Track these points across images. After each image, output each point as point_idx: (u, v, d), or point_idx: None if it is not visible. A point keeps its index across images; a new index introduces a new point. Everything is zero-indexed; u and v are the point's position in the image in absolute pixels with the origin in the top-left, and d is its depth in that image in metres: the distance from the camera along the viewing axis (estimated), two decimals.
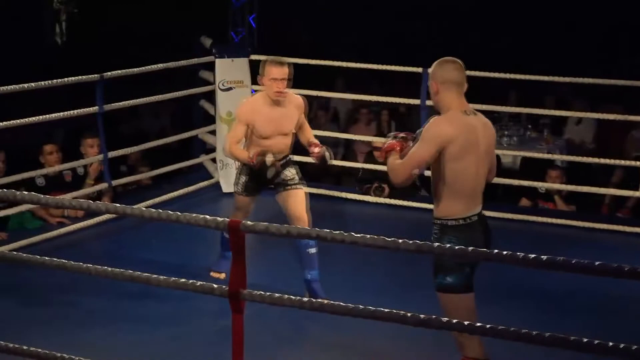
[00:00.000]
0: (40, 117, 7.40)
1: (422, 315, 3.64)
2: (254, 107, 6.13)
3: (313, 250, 6.21)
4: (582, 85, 8.70)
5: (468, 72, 7.86)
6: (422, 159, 4.49)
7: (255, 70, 8.90)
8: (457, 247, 3.66)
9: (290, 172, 6.26)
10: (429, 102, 8.36)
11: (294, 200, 6.21)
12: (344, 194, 8.85)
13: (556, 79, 8.21)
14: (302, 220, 6.13)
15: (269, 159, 6.00)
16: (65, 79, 7.42)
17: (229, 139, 6.20)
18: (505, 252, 3.50)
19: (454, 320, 3.66)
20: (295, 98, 6.20)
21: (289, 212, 6.21)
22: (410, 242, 3.63)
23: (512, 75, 8.25)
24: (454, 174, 4.47)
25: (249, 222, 3.89)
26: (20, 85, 7.08)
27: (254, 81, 8.95)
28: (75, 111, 7.63)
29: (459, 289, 4.50)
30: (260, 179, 6.26)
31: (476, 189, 4.55)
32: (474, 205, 4.55)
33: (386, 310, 3.72)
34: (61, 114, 7.57)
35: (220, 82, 8.91)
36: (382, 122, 11.20)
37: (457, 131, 4.44)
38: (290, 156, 6.32)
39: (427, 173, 8.17)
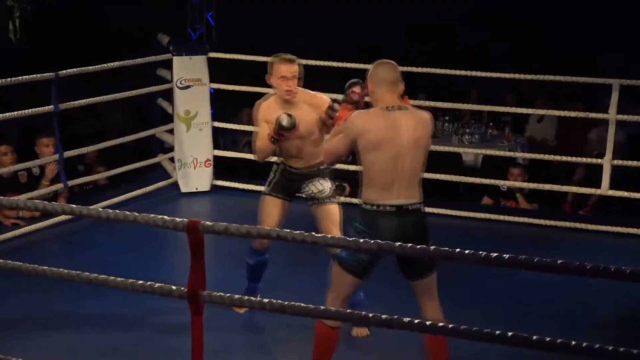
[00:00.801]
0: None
1: (384, 316, 3.59)
2: (270, 106, 5.79)
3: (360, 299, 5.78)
4: (544, 83, 8.71)
5: (431, 70, 7.88)
6: (337, 148, 4.84)
7: (213, 68, 8.91)
8: (418, 247, 3.60)
9: (320, 186, 5.84)
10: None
11: (324, 217, 5.82)
12: None
13: (517, 76, 8.21)
14: (328, 232, 5.76)
15: (283, 116, 5.57)
16: (19, 77, 7.29)
17: (255, 140, 5.86)
18: (467, 251, 3.47)
19: (416, 321, 3.61)
20: (314, 97, 5.78)
21: (319, 228, 5.84)
22: (372, 241, 3.59)
23: (473, 73, 8.23)
24: (368, 164, 4.72)
25: (207, 222, 3.84)
26: None
27: (212, 79, 8.91)
28: (30, 110, 7.49)
29: (345, 266, 4.69)
30: (293, 185, 5.90)
31: (394, 180, 4.68)
32: (390, 195, 4.68)
33: (348, 311, 3.67)
34: (15, 113, 7.43)
35: (178, 80, 8.82)
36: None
37: (369, 125, 4.67)
38: (324, 166, 5.84)
39: None
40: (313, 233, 3.62)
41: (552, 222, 8.03)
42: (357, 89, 5.05)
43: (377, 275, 4.67)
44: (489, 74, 8.21)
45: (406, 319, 3.63)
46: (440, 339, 4.68)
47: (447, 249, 3.55)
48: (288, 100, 5.72)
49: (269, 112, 5.74)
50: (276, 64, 5.71)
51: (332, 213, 5.80)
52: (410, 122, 4.70)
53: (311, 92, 5.81)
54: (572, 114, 8.61)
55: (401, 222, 4.66)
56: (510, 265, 3.42)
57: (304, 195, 5.87)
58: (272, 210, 5.93)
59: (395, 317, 3.60)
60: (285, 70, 5.67)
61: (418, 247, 3.60)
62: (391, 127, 4.66)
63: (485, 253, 3.42)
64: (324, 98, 5.76)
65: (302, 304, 3.76)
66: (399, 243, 3.63)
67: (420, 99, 10.17)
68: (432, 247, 3.57)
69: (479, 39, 12.91)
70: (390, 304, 5.32)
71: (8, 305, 6.12)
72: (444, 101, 8.77)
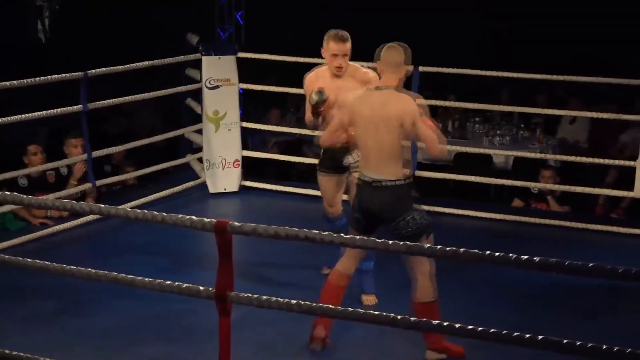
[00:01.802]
0: (23, 115, 7.26)
1: (412, 318, 3.55)
2: (318, 75, 6.14)
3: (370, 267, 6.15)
4: (576, 83, 8.62)
5: (460, 70, 7.80)
6: (336, 123, 5.31)
7: (242, 68, 8.88)
8: (448, 249, 3.55)
9: (357, 156, 5.96)
10: (419, 101, 8.26)
11: (353, 184, 5.98)
12: (315, 192, 8.77)
13: (548, 77, 8.12)
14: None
15: (312, 94, 5.88)
16: (49, 76, 7.29)
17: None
18: (497, 254, 3.43)
19: (445, 323, 3.56)
20: (360, 72, 6.07)
21: (350, 197, 6.14)
22: (401, 243, 3.55)
23: (504, 74, 8.15)
24: (357, 137, 5.21)
25: (236, 223, 3.81)
26: (2, 84, 6.95)
27: (242, 79, 8.88)
28: (59, 110, 7.49)
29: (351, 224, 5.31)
30: (335, 157, 6.13)
31: (370, 155, 5.09)
32: (367, 169, 5.12)
33: (375, 312, 3.63)
34: (44, 112, 7.43)
35: (207, 80, 8.79)
36: None
37: (355, 102, 5.15)
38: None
39: (419, 173, 8.31)
40: (342, 234, 3.57)
41: (584, 225, 7.94)
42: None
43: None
44: (519, 75, 8.13)
45: (412, 319, 3.59)
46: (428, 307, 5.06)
47: (476, 251, 3.50)
48: (336, 74, 6.03)
49: (316, 81, 6.08)
50: (328, 41, 6.00)
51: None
52: (388, 101, 5.03)
53: (359, 66, 6.14)
54: (605, 115, 8.52)
55: (372, 195, 5.07)
56: (540, 268, 3.37)
57: (344, 165, 6.13)
58: (325, 186, 6.28)
59: (403, 317, 3.56)
60: (336, 48, 5.98)
61: (448, 249, 3.55)
62: (369, 105, 5.06)
63: (515, 255, 3.37)
64: (369, 73, 6.01)
65: (331, 306, 3.72)
66: (427, 245, 3.58)
67: (450, 99, 10.12)
68: (462, 250, 3.52)
69: (509, 39, 12.84)
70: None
71: (36, 304, 6.11)
72: (474, 102, 8.71)
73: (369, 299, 6.16)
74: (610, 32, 12.22)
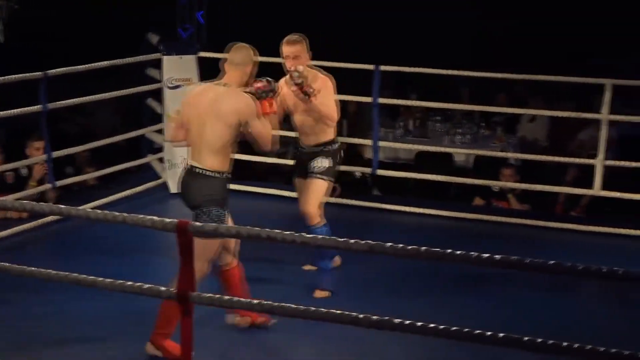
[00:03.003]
0: None
1: (374, 317, 3.55)
2: (285, 81, 6.21)
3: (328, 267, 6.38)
4: (536, 82, 8.67)
5: (419, 69, 7.82)
6: (179, 119, 5.49)
7: (203, 68, 8.85)
8: (409, 247, 3.56)
9: (320, 162, 6.25)
10: (380, 100, 8.30)
11: (307, 187, 6.27)
12: (277, 192, 8.81)
13: (508, 76, 8.16)
14: (306, 212, 6.23)
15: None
16: (7, 76, 7.23)
17: None
18: (458, 252, 3.44)
19: (408, 322, 3.57)
20: (317, 78, 6.16)
21: (299, 200, 6.34)
22: (363, 242, 3.55)
23: (464, 73, 8.18)
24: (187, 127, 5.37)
25: (197, 224, 3.80)
26: None
27: (203, 78, 8.84)
28: (18, 110, 7.43)
29: None
30: (301, 159, 6.34)
31: (195, 145, 5.29)
32: (191, 156, 5.31)
33: (338, 312, 3.63)
34: (3, 112, 7.36)
35: (168, 80, 8.76)
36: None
37: (193, 93, 5.40)
38: (330, 146, 6.29)
39: (381, 172, 8.34)
40: (303, 234, 3.58)
41: (544, 223, 7.99)
42: (259, 84, 5.42)
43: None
44: (480, 74, 8.17)
45: (397, 321, 3.60)
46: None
47: (437, 249, 3.52)
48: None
49: (283, 86, 6.13)
50: (281, 45, 6.15)
51: (315, 186, 6.24)
52: (223, 98, 5.21)
53: (319, 73, 6.23)
54: (564, 114, 8.58)
55: (186, 180, 5.27)
56: (502, 265, 3.39)
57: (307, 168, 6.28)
58: (297, 189, 6.43)
59: (386, 318, 3.56)
60: (285, 50, 6.13)
61: (409, 248, 3.56)
62: (205, 98, 5.25)
63: (476, 254, 3.39)
64: (326, 81, 6.17)
65: (292, 305, 3.72)
66: (390, 244, 3.59)
67: (411, 98, 10.15)
68: (424, 248, 3.53)
69: (470, 37, 12.89)
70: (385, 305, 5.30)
71: None
72: (435, 101, 8.73)
73: (322, 294, 6.27)
74: (570, 32, 12.30)
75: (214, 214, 5.14)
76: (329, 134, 6.29)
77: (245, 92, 5.33)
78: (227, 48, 5.43)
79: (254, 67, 5.41)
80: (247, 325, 5.61)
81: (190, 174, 5.27)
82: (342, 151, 6.39)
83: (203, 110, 5.23)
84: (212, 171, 5.22)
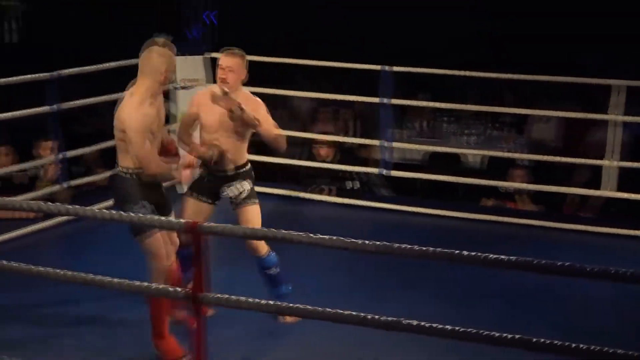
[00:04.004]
0: None
1: (382, 318, 3.57)
2: (204, 98, 5.97)
3: (272, 272, 5.99)
4: (545, 83, 8.67)
5: (429, 70, 7.83)
6: None
7: (212, 68, 8.86)
8: (417, 248, 3.57)
9: (241, 186, 5.95)
10: (390, 100, 8.30)
11: (242, 219, 5.89)
12: (285, 192, 8.84)
13: (517, 76, 8.16)
14: (250, 244, 5.88)
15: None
16: (18, 77, 7.27)
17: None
18: (467, 253, 3.45)
19: (414, 322, 3.58)
20: (249, 100, 5.92)
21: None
22: (369, 242, 3.56)
23: (472, 73, 8.19)
24: None
25: (205, 224, 3.82)
26: None
27: (210, 79, 8.86)
28: (29, 110, 7.47)
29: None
30: (213, 183, 6.00)
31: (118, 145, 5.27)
32: None
33: (346, 312, 3.65)
34: (14, 113, 7.40)
35: (180, 80, 8.78)
36: (345, 121, 11.11)
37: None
38: (245, 168, 6.00)
39: (395, 173, 8.35)
40: (310, 234, 3.59)
41: (554, 224, 7.99)
42: None
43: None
44: (488, 74, 8.18)
45: (405, 321, 3.61)
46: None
47: (447, 250, 3.52)
48: (221, 87, 5.86)
49: (203, 97, 5.96)
50: (220, 55, 5.93)
51: (250, 214, 5.88)
52: (122, 104, 5.17)
53: (252, 96, 5.98)
54: (574, 114, 8.57)
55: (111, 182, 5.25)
56: (510, 266, 3.40)
57: (224, 197, 5.98)
58: (189, 210, 5.97)
59: (395, 319, 3.58)
60: (221, 60, 5.89)
61: (417, 248, 3.57)
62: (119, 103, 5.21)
63: (484, 255, 3.40)
64: (258, 106, 5.92)
65: (300, 305, 3.74)
66: (397, 245, 3.59)
67: (418, 98, 10.14)
68: (432, 249, 3.54)
69: (479, 38, 12.86)
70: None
71: (5, 306, 6.09)
72: (444, 101, 8.74)
73: (291, 319, 5.86)
74: (574, 32, 12.26)
75: (134, 211, 5.07)
76: (244, 157, 6.00)
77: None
78: (143, 47, 5.23)
79: (170, 69, 5.20)
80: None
81: (113, 176, 5.37)
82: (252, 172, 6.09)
83: (115, 113, 5.25)
84: (122, 170, 5.27)
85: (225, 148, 5.88)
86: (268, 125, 5.93)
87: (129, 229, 5.15)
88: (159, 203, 5.28)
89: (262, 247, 5.87)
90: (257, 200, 5.97)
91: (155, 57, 5.13)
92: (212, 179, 5.96)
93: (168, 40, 5.22)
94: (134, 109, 5.09)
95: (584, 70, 9.54)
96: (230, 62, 5.85)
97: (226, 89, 5.80)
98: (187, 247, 5.96)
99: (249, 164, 6.03)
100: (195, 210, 5.93)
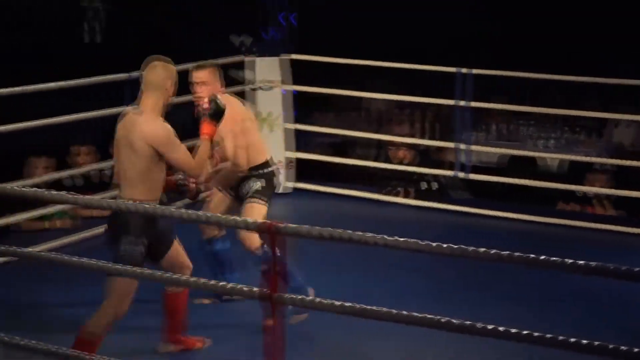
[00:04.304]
0: (74, 116, 7.37)
1: (457, 322, 3.54)
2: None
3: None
4: (625, 86, 8.54)
5: (503, 72, 7.71)
6: None
7: (298, 70, 8.92)
8: (493, 252, 3.54)
9: (251, 185, 5.99)
10: (467, 103, 8.27)
11: (243, 215, 5.84)
12: (360, 194, 8.84)
13: (599, 80, 8.05)
14: (243, 237, 5.85)
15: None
16: (95, 77, 7.39)
17: None
18: (542, 257, 3.41)
19: (490, 327, 3.54)
20: (234, 108, 5.83)
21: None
22: (445, 245, 3.55)
23: (552, 76, 8.11)
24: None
25: (280, 225, 3.82)
26: (55, 84, 7.07)
27: (288, 81, 8.91)
28: (108, 110, 7.57)
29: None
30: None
31: (118, 175, 5.04)
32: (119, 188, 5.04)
33: (420, 315, 3.63)
34: (95, 113, 7.53)
35: (252, 82, 8.83)
36: (421, 123, 11.09)
37: (118, 123, 5.02)
38: (263, 170, 6.01)
39: (474, 176, 8.29)
40: (386, 237, 3.59)
41: (634, 230, 7.85)
42: (205, 104, 5.21)
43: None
44: (569, 78, 8.09)
45: (479, 325, 3.58)
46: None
47: (523, 254, 3.49)
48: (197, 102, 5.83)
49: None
50: (190, 72, 5.89)
51: (248, 211, 5.87)
52: (135, 124, 4.88)
53: (232, 99, 5.93)
54: None
55: (113, 215, 4.95)
56: (588, 272, 3.35)
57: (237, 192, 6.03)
58: (213, 200, 6.10)
59: (469, 323, 3.55)
60: (192, 76, 5.88)
61: (493, 252, 3.54)
62: (123, 126, 4.94)
63: (561, 259, 3.36)
64: (239, 109, 5.91)
65: (375, 308, 3.73)
66: (472, 248, 3.56)
67: (497, 101, 10.06)
68: (507, 253, 3.50)
69: (558, 41, 12.72)
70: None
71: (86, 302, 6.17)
72: (522, 104, 8.67)
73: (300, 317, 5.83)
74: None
75: (126, 249, 4.92)
76: (260, 157, 6.01)
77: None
78: (143, 65, 5.05)
79: (174, 83, 5.04)
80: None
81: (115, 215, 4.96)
82: (274, 176, 6.09)
83: (123, 140, 4.95)
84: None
85: (223, 154, 5.91)
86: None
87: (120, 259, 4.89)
88: (158, 238, 5.11)
89: (255, 240, 5.81)
90: (263, 201, 5.95)
91: (160, 71, 4.99)
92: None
93: (167, 59, 5.09)
94: (153, 122, 4.91)
95: None
96: (202, 75, 5.86)
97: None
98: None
99: (267, 167, 6.04)
100: (219, 199, 6.08)
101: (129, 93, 7.61)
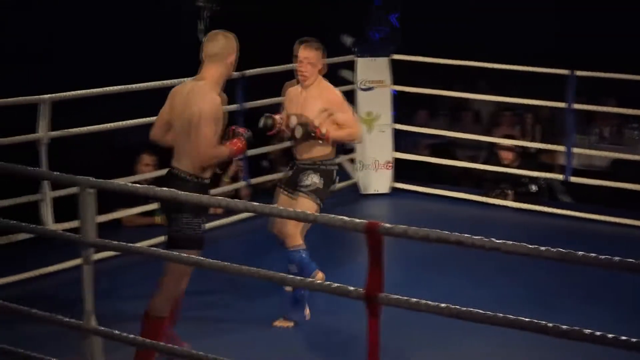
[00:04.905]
0: None
1: (563, 327, 3.49)
2: (292, 90, 6.08)
3: (292, 269, 5.83)
4: None
5: (615, 75, 7.57)
6: (159, 116, 5.13)
7: (396, 71, 8.90)
8: (602, 257, 3.47)
9: (310, 178, 5.92)
10: (576, 106, 8.15)
11: (293, 207, 5.81)
12: (466, 196, 8.77)
13: None
14: (286, 224, 5.83)
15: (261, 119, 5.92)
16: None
17: None
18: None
19: (598, 333, 3.48)
20: (327, 91, 5.95)
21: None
22: (554, 250, 3.49)
23: None
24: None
25: (387, 225, 3.80)
26: (161, 82, 7.18)
27: (395, 81, 8.89)
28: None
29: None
30: (295, 173, 6.05)
31: (175, 145, 4.97)
32: (173, 157, 4.99)
33: (527, 319, 3.58)
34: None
35: (361, 82, 8.84)
36: (526, 125, 10.97)
37: (173, 91, 5.04)
38: (325, 164, 5.97)
39: (574, 179, 8.16)
40: (493, 239, 3.54)
41: None
42: (238, 129, 5.13)
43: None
44: None
45: (579, 330, 3.52)
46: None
47: (632, 260, 3.42)
48: (303, 84, 5.92)
49: (288, 94, 6.06)
50: (296, 46, 5.95)
51: (301, 205, 5.80)
52: (192, 96, 4.86)
53: (331, 86, 5.98)
54: None
55: (165, 181, 4.91)
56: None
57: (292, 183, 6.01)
58: (277, 201, 6.07)
59: (576, 328, 3.49)
60: (298, 52, 5.92)
61: (602, 258, 3.47)
62: (180, 96, 4.93)
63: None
64: (336, 96, 5.94)
65: (473, 310, 3.69)
66: (581, 253, 3.50)
67: (608, 104, 9.87)
68: (617, 259, 3.43)
69: None
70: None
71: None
72: (633, 107, 8.50)
73: (285, 323, 5.94)
74: None
75: (193, 224, 4.88)
76: (326, 150, 5.95)
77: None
78: (205, 38, 5.02)
79: (235, 58, 5.01)
80: None
81: (170, 176, 4.98)
82: (335, 173, 6.01)
83: (181, 108, 4.92)
84: (188, 173, 4.91)
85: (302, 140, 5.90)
86: (343, 125, 5.92)
87: (175, 238, 4.91)
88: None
89: (296, 237, 5.82)
90: (317, 199, 5.89)
91: (221, 43, 4.95)
92: (295, 169, 6.03)
93: (231, 33, 5.04)
94: (209, 96, 4.87)
95: None
96: (308, 54, 5.90)
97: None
98: None
99: (331, 162, 5.99)
100: (281, 201, 6.03)
101: (241, 91, 7.71)
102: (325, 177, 5.93)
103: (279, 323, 5.93)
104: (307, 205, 5.80)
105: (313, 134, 5.78)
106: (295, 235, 5.82)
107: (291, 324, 5.92)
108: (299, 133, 5.80)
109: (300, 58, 5.90)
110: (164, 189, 4.46)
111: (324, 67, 6.00)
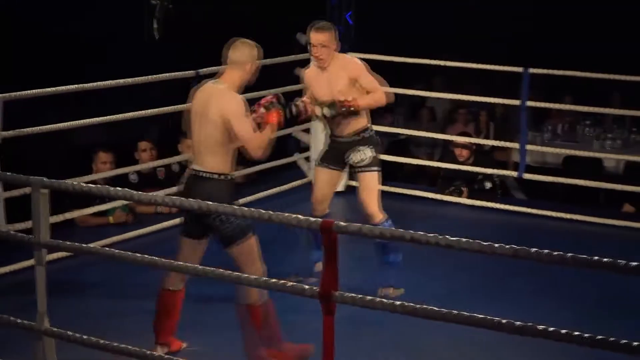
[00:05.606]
0: (136, 113, 7.42)
1: (517, 323, 3.51)
2: (311, 73, 6.26)
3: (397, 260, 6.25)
4: None
5: (567, 72, 7.62)
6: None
7: None
8: (555, 253, 3.50)
9: (361, 155, 6.20)
10: (529, 103, 8.19)
11: (361, 185, 6.25)
12: (421, 193, 8.83)
13: None
14: (365, 205, 6.18)
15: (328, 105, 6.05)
16: (161, 74, 7.43)
17: None
18: (605, 260, 3.36)
19: (551, 328, 3.50)
20: (348, 62, 6.17)
21: (358, 198, 6.28)
22: (507, 246, 3.51)
23: (615, 76, 8.00)
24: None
25: (341, 223, 3.81)
26: (115, 81, 7.12)
27: None
28: (171, 107, 7.62)
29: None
30: (337, 150, 6.28)
31: (195, 147, 5.17)
32: (194, 160, 5.19)
33: (481, 316, 3.60)
34: (156, 110, 7.57)
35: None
36: (480, 123, 11.03)
37: (194, 92, 5.22)
38: (367, 133, 6.24)
39: (527, 176, 8.21)
40: (446, 236, 3.56)
41: None
42: (267, 97, 5.37)
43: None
44: (632, 78, 7.97)
45: (540, 327, 3.54)
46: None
47: (584, 256, 3.44)
48: (321, 66, 6.11)
49: (309, 78, 6.25)
50: (308, 32, 6.12)
51: (368, 181, 6.16)
52: (212, 97, 5.05)
53: (349, 60, 6.19)
54: None
55: (192, 186, 5.09)
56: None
57: (349, 163, 6.25)
58: (319, 179, 6.41)
59: (530, 324, 3.51)
60: (312, 38, 6.08)
61: (555, 254, 3.49)
62: (200, 97, 5.12)
63: (625, 262, 3.31)
64: (356, 64, 6.14)
65: (435, 308, 3.70)
66: (535, 250, 3.52)
67: (564, 101, 9.95)
68: (570, 255, 3.46)
69: (619, 42, 12.58)
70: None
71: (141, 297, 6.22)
72: (586, 104, 8.57)
73: (396, 292, 6.28)
74: None
75: (225, 218, 5.03)
76: (363, 120, 6.22)
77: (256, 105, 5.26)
78: (227, 45, 5.22)
79: (255, 66, 5.20)
80: None
81: (194, 178, 5.15)
82: (376, 135, 6.33)
83: (201, 109, 5.11)
84: (215, 173, 5.10)
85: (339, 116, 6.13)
86: (369, 91, 6.11)
87: (229, 236, 5.12)
88: None
89: (378, 214, 6.15)
90: (377, 168, 6.22)
91: (243, 51, 5.16)
92: (336, 145, 6.27)
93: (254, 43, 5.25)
94: (232, 96, 5.08)
95: None
96: (322, 38, 6.06)
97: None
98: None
99: (370, 130, 6.26)
100: (326, 178, 6.36)
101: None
102: (373, 144, 6.23)
103: (393, 292, 6.24)
104: (372, 179, 6.18)
105: (344, 109, 6.00)
106: (377, 212, 6.14)
107: (402, 290, 6.29)
108: (330, 114, 6.04)
109: (314, 43, 6.08)
110: (191, 200, 4.48)
111: (338, 45, 6.17)
